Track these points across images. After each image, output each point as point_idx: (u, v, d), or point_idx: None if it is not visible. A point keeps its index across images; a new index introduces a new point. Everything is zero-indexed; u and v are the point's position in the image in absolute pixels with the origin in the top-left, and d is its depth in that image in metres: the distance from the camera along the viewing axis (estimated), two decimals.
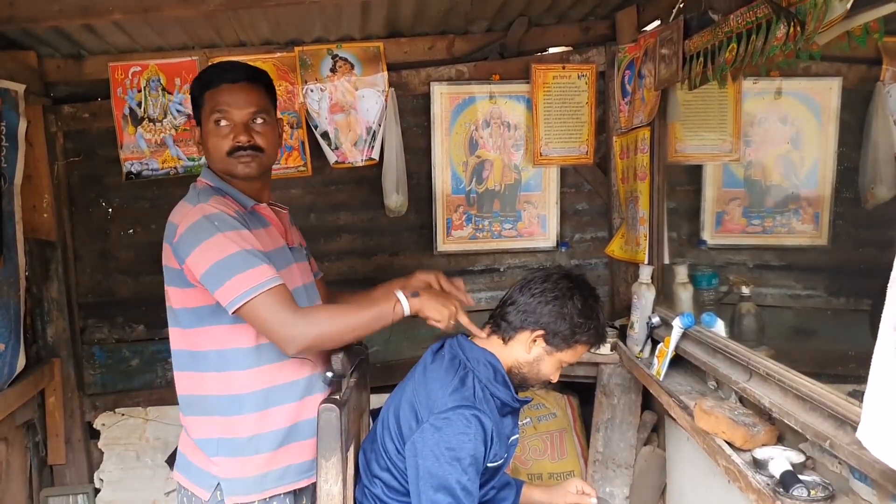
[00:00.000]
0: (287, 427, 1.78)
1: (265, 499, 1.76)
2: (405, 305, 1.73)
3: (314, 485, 1.83)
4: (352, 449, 1.86)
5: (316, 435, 1.78)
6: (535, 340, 1.80)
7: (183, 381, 1.80)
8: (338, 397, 1.78)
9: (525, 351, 1.82)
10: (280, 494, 1.78)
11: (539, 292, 1.81)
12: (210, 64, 1.87)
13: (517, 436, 1.93)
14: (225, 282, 1.61)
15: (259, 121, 1.78)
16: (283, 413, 1.78)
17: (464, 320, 1.80)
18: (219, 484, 1.73)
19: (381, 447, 1.81)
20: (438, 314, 1.75)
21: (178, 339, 1.78)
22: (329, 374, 1.83)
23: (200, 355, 1.75)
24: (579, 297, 1.81)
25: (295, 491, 1.82)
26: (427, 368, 1.84)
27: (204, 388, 1.76)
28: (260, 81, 1.83)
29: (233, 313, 1.63)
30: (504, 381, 1.81)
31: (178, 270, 1.70)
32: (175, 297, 1.75)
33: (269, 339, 1.69)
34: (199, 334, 1.74)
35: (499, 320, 1.85)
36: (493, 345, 1.84)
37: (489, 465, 1.75)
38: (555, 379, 1.88)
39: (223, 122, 1.75)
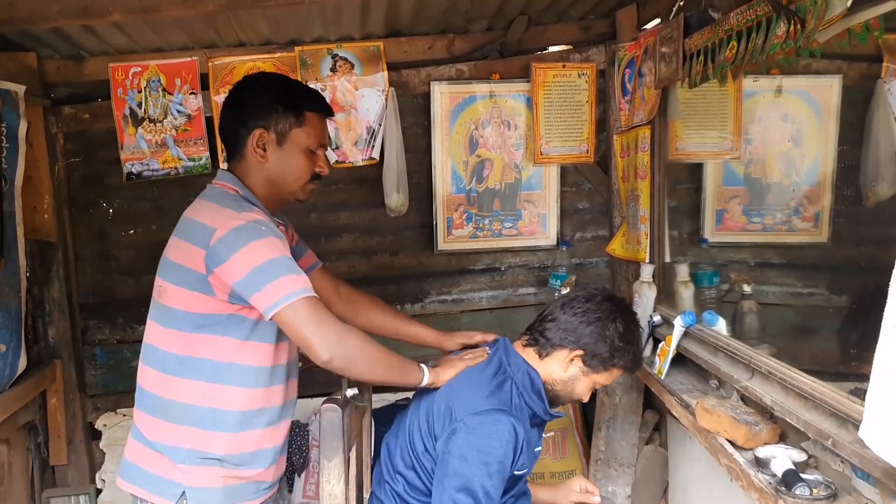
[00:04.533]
0: (262, 449, 1.77)
1: None
2: (426, 377, 1.79)
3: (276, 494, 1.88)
4: (354, 449, 1.86)
5: (283, 454, 1.85)
6: (572, 360, 1.81)
7: (161, 384, 1.74)
8: (339, 397, 1.78)
9: (562, 369, 1.82)
10: None
11: (582, 312, 1.81)
12: (305, 84, 1.91)
13: (541, 447, 1.93)
14: (267, 284, 1.59)
15: None
16: (264, 435, 1.77)
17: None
18: (184, 492, 1.69)
19: (409, 443, 1.80)
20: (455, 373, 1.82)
21: (172, 340, 1.71)
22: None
23: (193, 362, 1.70)
24: (622, 320, 1.81)
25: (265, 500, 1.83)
26: (477, 368, 1.84)
27: (186, 395, 1.71)
28: None
29: (272, 316, 1.59)
30: (539, 394, 1.81)
31: (200, 275, 1.65)
32: (180, 299, 1.69)
33: (303, 344, 1.64)
34: (203, 341, 1.69)
35: (537, 335, 1.85)
36: (529, 358, 1.84)
37: (515, 472, 1.75)
38: (585, 399, 1.89)
39: (320, 151, 1.82)
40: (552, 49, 3.24)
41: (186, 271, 1.67)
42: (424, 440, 1.76)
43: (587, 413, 3.15)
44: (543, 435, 3.04)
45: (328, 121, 1.89)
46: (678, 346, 2.28)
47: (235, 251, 1.60)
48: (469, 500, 1.63)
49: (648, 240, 2.70)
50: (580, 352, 1.80)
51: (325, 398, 1.76)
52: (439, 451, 1.70)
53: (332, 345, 1.61)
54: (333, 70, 3.06)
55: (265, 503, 1.83)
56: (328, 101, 2.95)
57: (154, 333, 1.75)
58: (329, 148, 1.89)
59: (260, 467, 1.78)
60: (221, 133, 1.85)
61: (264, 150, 1.76)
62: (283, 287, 1.59)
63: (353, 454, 1.85)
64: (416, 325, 2.15)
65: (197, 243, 1.65)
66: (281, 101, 1.77)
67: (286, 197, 1.83)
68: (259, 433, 1.77)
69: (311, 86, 3.02)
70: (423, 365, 1.79)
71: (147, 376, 1.77)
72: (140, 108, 3.02)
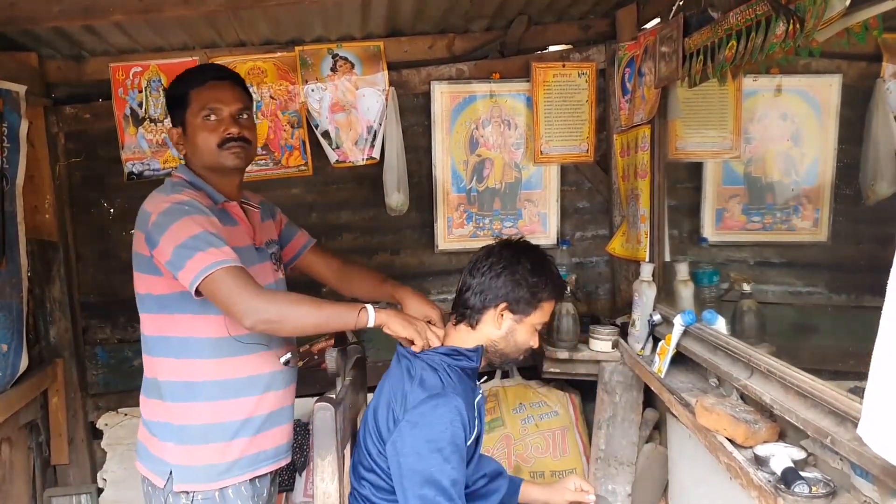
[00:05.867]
0: (240, 420, 1.82)
1: (220, 488, 1.79)
2: (371, 316, 1.76)
3: (273, 473, 1.91)
4: (348, 447, 1.86)
5: (264, 431, 1.86)
6: (501, 315, 1.82)
7: (148, 365, 1.86)
8: (333, 396, 1.79)
9: (496, 328, 1.83)
10: (235, 484, 1.81)
11: (487, 268, 1.83)
12: (188, 69, 1.97)
13: (480, 394, 1.94)
14: (187, 261, 1.65)
15: (245, 116, 1.89)
16: (237, 407, 1.81)
17: (432, 340, 1.82)
18: (171, 472, 1.77)
19: (365, 450, 1.81)
20: (403, 331, 1.79)
21: (145, 323, 1.84)
22: (287, 356, 1.86)
23: (163, 340, 1.80)
24: (526, 259, 1.83)
25: (254, 478, 1.85)
26: (399, 367, 1.85)
27: (163, 372, 1.81)
28: (241, 82, 1.94)
29: (195, 293, 1.66)
30: (453, 352, 1.82)
31: (147, 258, 1.75)
32: (141, 283, 1.81)
33: (228, 313, 1.70)
34: (166, 320, 1.79)
35: (461, 309, 1.86)
36: (463, 333, 1.86)
37: (468, 444, 1.76)
38: (535, 344, 1.89)
39: (213, 117, 1.84)
40: (552, 48, 3.25)
41: (140, 256, 1.79)
42: (376, 444, 1.77)
43: (587, 412, 3.15)
44: (545, 431, 3.08)
45: (225, 84, 1.89)
46: (678, 344, 2.29)
47: (163, 233, 1.69)
48: (435, 491, 1.62)
49: (648, 239, 2.70)
50: (503, 304, 1.81)
51: (317, 397, 1.77)
52: (390, 453, 1.71)
53: (252, 312, 1.66)
54: (334, 70, 3.06)
55: (252, 481, 1.85)
56: (329, 100, 3.04)
57: (141, 320, 1.87)
58: (237, 112, 1.88)
59: (244, 436, 1.82)
60: None
61: (183, 144, 1.88)
62: (200, 261, 1.64)
63: (347, 452, 1.86)
64: (391, 285, 2.15)
65: (140, 228, 1.77)
66: (169, 96, 1.92)
67: (220, 170, 1.87)
68: (247, 401, 1.82)
69: (312, 85, 3.04)
70: (368, 307, 1.77)
71: (144, 362, 1.88)
72: (141, 108, 3.02)
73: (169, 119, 1.95)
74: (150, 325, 1.83)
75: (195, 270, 1.64)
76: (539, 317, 1.85)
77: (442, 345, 1.85)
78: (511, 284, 1.80)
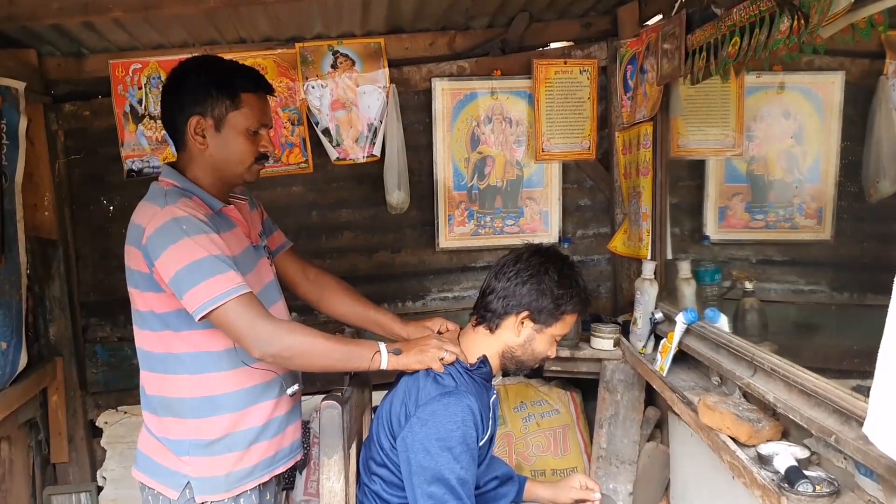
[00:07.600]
0: (260, 426, 1.79)
1: (234, 496, 1.76)
2: (384, 361, 1.74)
3: (276, 477, 1.87)
4: (354, 446, 1.86)
5: (282, 431, 1.83)
6: (522, 322, 1.81)
7: (154, 383, 1.78)
8: (340, 394, 1.78)
9: (515, 335, 1.82)
10: (247, 491, 1.79)
11: (514, 274, 1.81)
12: (235, 61, 1.84)
13: (495, 395, 1.93)
14: (192, 287, 1.59)
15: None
16: (257, 412, 1.78)
17: (449, 358, 1.79)
18: (188, 483, 1.73)
19: (378, 444, 1.81)
20: (421, 366, 1.77)
21: (149, 340, 1.76)
22: (294, 387, 1.83)
23: (173, 357, 1.73)
24: (554, 269, 1.81)
25: (260, 485, 1.82)
26: None
27: (177, 390, 1.74)
28: None
29: (199, 319, 1.60)
30: (463, 370, 1.81)
31: (146, 274, 1.67)
32: (142, 301, 1.73)
33: (238, 343, 1.67)
34: (173, 338, 1.72)
35: (482, 311, 1.85)
36: (481, 336, 1.85)
37: (480, 444, 1.75)
38: (552, 354, 1.88)
39: (262, 132, 1.79)
40: (554, 45, 3.24)
41: (137, 274, 1.71)
42: (389, 438, 1.77)
43: (589, 410, 3.14)
44: (546, 430, 3.07)
45: (270, 98, 1.84)
46: (680, 343, 2.28)
47: (162, 252, 1.61)
48: (443, 489, 1.62)
49: (650, 237, 2.69)
50: (525, 312, 1.80)
51: (324, 395, 1.76)
52: (400, 448, 1.71)
53: (263, 344, 1.62)
54: (334, 67, 3.05)
55: (266, 485, 1.84)
56: (330, 97, 3.03)
57: (137, 337, 1.80)
58: (270, 128, 1.85)
59: (263, 440, 1.79)
60: (163, 123, 1.84)
61: (203, 136, 1.74)
62: (207, 290, 1.59)
63: (353, 451, 1.85)
64: (380, 312, 2.11)
65: (135, 244, 1.69)
66: (214, 84, 1.73)
67: (232, 180, 1.81)
68: (265, 406, 1.79)
69: (312, 83, 3.03)
70: (383, 348, 1.75)
71: (143, 378, 1.82)
72: (140, 105, 3.02)
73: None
74: (155, 342, 1.74)
75: (202, 299, 1.58)
76: (560, 328, 1.84)
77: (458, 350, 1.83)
78: (536, 293, 1.79)
